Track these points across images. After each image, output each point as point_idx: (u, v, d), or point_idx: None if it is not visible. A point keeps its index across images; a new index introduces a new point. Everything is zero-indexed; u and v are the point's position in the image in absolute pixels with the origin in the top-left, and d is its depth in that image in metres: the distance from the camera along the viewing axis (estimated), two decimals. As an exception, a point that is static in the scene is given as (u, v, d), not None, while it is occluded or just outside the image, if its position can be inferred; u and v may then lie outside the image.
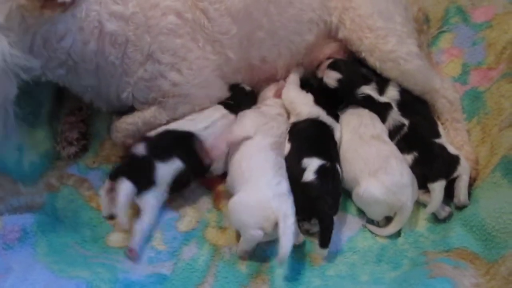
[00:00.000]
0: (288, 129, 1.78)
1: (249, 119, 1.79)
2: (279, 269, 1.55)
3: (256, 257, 1.58)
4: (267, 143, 1.70)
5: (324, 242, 1.54)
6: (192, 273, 1.55)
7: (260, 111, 1.85)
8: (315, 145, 1.69)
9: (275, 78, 1.94)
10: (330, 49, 1.93)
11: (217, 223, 1.68)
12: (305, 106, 1.81)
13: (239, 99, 1.86)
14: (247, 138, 1.71)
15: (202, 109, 1.80)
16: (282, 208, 1.51)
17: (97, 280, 1.40)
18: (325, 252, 1.55)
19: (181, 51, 1.71)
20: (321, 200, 1.57)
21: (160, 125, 1.75)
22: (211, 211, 1.73)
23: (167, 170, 1.62)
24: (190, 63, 1.73)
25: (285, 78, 1.93)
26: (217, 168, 1.75)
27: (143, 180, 1.60)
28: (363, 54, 1.84)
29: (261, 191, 1.56)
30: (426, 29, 2.06)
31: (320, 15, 1.87)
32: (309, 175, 1.60)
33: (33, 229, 1.51)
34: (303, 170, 1.60)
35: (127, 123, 1.77)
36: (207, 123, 1.75)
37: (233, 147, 1.73)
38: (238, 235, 1.62)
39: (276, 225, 1.49)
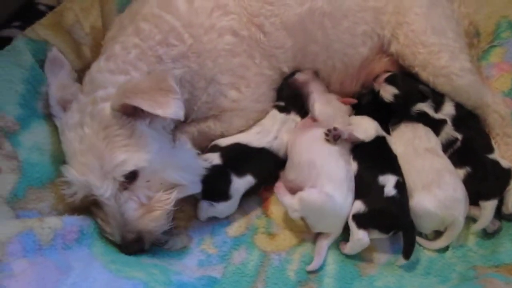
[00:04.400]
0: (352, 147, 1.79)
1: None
2: (328, 279, 1.57)
3: (306, 265, 1.60)
4: (319, 135, 1.72)
5: (408, 253, 1.56)
6: (242, 277, 1.58)
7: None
8: (384, 162, 1.71)
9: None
10: (383, 63, 1.95)
11: (266, 229, 1.72)
12: (372, 125, 1.81)
13: (289, 100, 1.87)
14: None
15: (255, 122, 1.83)
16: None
17: (152, 282, 1.44)
18: (404, 262, 1.58)
19: (239, 69, 1.75)
20: (404, 213, 1.60)
21: (214, 135, 1.80)
22: (260, 217, 1.76)
23: (241, 185, 1.68)
24: (248, 80, 1.78)
25: (338, 92, 1.95)
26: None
27: (220, 193, 1.66)
28: (416, 69, 1.86)
29: (342, 194, 1.60)
30: (476, 43, 2.06)
31: (373, 28, 1.89)
32: (390, 190, 1.61)
33: (89, 231, 1.56)
34: (382, 186, 1.61)
35: (181, 132, 1.79)
36: (275, 134, 1.79)
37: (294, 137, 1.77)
38: (287, 242, 1.66)
39: None
